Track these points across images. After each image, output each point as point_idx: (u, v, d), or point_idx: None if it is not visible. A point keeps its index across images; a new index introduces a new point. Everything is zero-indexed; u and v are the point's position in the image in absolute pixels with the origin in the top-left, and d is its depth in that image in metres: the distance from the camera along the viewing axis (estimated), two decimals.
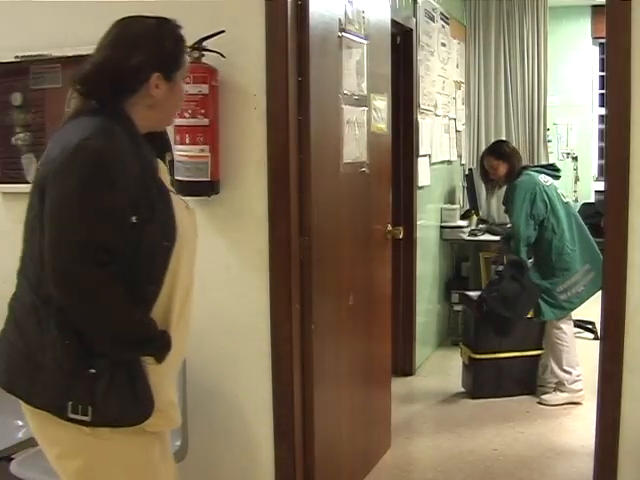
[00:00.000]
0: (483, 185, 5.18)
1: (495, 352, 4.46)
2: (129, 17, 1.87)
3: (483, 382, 4.50)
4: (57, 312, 1.73)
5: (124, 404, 1.77)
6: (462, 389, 4.62)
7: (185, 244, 1.87)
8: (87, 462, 1.81)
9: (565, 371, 4.39)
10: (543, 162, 6.15)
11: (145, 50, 1.81)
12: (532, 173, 4.47)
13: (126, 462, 1.84)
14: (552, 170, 4.59)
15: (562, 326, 4.41)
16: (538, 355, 4.54)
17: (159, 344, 1.81)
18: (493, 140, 6.37)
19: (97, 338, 1.76)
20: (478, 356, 4.46)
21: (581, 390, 4.35)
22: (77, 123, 1.80)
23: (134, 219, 1.74)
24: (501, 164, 4.55)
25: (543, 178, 4.44)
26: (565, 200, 4.48)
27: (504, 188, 4.66)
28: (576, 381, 4.36)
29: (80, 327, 1.73)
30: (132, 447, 1.83)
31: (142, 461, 1.87)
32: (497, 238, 5.22)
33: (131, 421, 1.79)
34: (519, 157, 4.66)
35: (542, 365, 4.59)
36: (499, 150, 4.65)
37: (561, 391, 4.39)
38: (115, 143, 1.75)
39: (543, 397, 4.42)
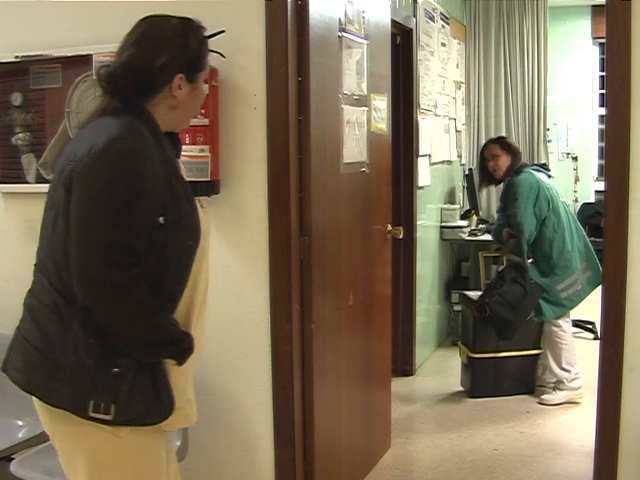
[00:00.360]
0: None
1: (493, 352, 4.46)
2: (153, 16, 1.86)
3: (482, 381, 4.50)
4: (81, 311, 1.72)
5: (146, 403, 1.77)
6: (461, 388, 4.63)
7: (205, 243, 1.88)
8: (99, 459, 1.80)
9: (564, 369, 4.39)
10: (543, 162, 6.17)
11: (170, 51, 1.80)
12: (533, 172, 4.48)
13: (137, 460, 1.83)
14: (545, 169, 4.62)
15: (562, 324, 4.42)
16: (537, 354, 4.54)
17: (181, 347, 1.81)
18: None
19: (121, 340, 1.74)
20: (477, 355, 4.46)
21: (580, 388, 4.36)
22: (103, 122, 1.78)
23: (162, 220, 1.73)
24: (504, 155, 4.52)
25: (543, 177, 4.47)
26: (562, 199, 4.50)
27: (493, 187, 4.67)
28: (575, 379, 4.37)
29: (104, 328, 1.72)
30: (144, 446, 1.83)
31: (152, 459, 1.87)
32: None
33: (152, 420, 1.79)
34: (520, 155, 4.64)
35: (541, 365, 4.59)
36: (504, 142, 4.64)
37: (560, 390, 4.39)
38: (143, 143, 1.74)
39: (543, 397, 4.42)
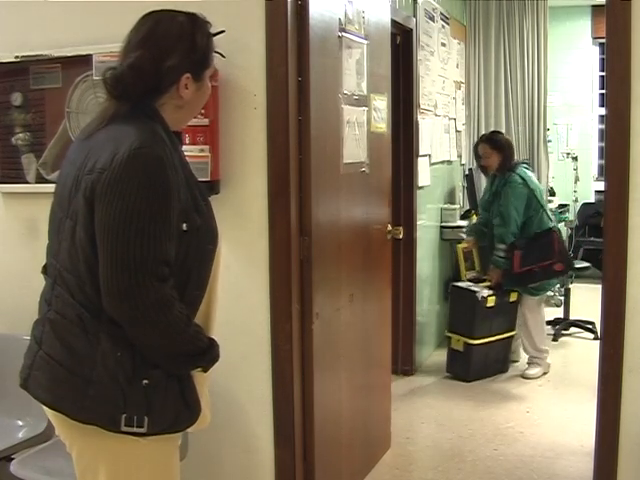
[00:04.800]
0: (482, 177, 5.46)
1: (487, 336, 4.77)
2: (158, 12, 1.82)
3: (476, 366, 4.79)
4: (108, 324, 1.68)
5: (176, 412, 1.75)
6: (457, 382, 4.74)
7: (220, 245, 1.86)
8: (120, 465, 1.77)
9: (539, 350, 4.83)
10: (543, 162, 6.33)
11: (178, 52, 1.76)
12: (526, 170, 4.81)
13: (157, 464, 1.81)
14: (528, 165, 5.03)
15: (535, 311, 4.82)
16: (512, 336, 4.93)
17: (211, 356, 1.80)
18: None
19: (154, 354, 1.71)
20: (475, 342, 4.72)
21: (549, 363, 4.92)
22: (119, 130, 1.71)
23: (185, 227, 1.70)
24: (494, 154, 4.81)
25: (532, 174, 4.87)
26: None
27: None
28: (547, 355, 4.89)
29: (135, 342, 1.69)
30: (164, 450, 1.81)
31: (170, 462, 1.85)
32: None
33: (181, 427, 1.78)
34: (513, 150, 4.93)
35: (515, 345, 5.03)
36: (495, 139, 4.90)
37: (538, 364, 4.85)
38: (166, 149, 1.70)
39: (527, 372, 4.83)
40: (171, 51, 1.76)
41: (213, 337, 1.85)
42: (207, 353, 1.79)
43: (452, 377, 4.84)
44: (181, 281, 1.73)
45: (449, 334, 4.91)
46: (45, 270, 1.87)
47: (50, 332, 1.78)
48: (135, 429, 1.69)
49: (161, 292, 1.65)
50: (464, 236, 5.62)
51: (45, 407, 1.81)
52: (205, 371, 1.83)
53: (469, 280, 5.02)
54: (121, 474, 1.77)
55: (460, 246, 5.22)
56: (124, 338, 1.68)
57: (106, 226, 1.64)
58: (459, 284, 4.97)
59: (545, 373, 4.87)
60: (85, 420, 1.72)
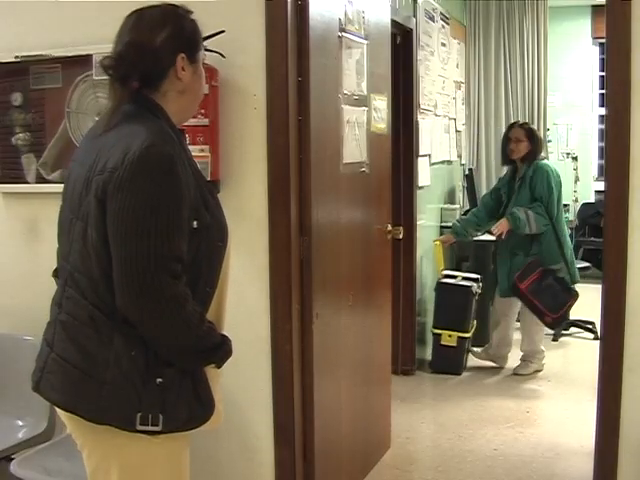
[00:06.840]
0: (483, 175, 5.65)
1: (472, 327, 5.04)
2: (138, 9, 1.83)
3: (464, 357, 5.04)
4: (121, 324, 1.69)
5: (190, 409, 1.75)
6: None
7: (229, 242, 1.87)
8: (133, 464, 1.77)
9: (537, 351, 4.90)
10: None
11: (168, 29, 1.77)
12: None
13: (169, 463, 1.81)
14: None
15: None
16: None
17: (224, 351, 1.81)
18: (493, 140, 6.42)
19: (169, 352, 1.72)
20: (467, 335, 4.94)
21: (544, 363, 4.98)
22: (128, 129, 1.72)
23: (195, 224, 1.71)
24: (526, 141, 4.72)
25: None
26: None
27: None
28: (543, 357, 4.96)
29: (149, 340, 1.69)
30: (176, 449, 1.81)
31: (182, 460, 1.86)
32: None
33: (195, 425, 1.78)
34: (542, 146, 4.91)
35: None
36: (531, 128, 4.86)
37: (531, 362, 4.92)
38: (175, 146, 1.71)
39: (518, 369, 4.92)
40: (161, 29, 1.77)
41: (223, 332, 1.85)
42: (220, 349, 1.80)
43: (442, 373, 4.92)
44: (192, 278, 1.73)
45: (437, 331, 4.98)
46: (56, 273, 1.88)
47: (62, 334, 1.78)
48: (150, 427, 1.70)
49: (175, 289, 1.66)
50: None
51: (59, 409, 1.81)
52: (219, 367, 1.83)
53: (445, 276, 5.06)
54: (133, 472, 1.78)
55: (438, 242, 5.20)
56: (137, 337, 1.69)
57: (119, 225, 1.64)
58: (446, 280, 5.03)
59: (538, 371, 4.93)
60: (100, 420, 1.72)
